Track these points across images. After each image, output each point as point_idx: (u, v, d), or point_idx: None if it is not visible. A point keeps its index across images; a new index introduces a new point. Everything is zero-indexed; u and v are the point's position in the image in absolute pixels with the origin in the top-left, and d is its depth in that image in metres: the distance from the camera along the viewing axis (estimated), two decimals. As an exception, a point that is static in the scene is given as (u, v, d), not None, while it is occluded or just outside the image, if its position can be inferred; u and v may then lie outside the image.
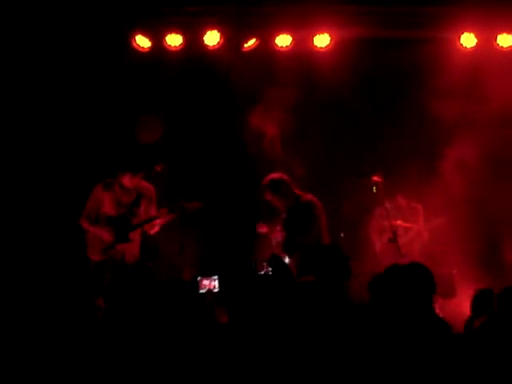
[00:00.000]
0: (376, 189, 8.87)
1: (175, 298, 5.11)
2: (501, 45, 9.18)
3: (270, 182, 8.15)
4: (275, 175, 8.20)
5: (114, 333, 5.07)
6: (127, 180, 8.21)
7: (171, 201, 8.32)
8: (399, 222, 9.22)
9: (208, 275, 7.58)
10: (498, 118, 9.16)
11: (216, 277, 7.54)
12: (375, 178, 8.88)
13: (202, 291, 7.53)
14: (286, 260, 7.90)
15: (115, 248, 8.16)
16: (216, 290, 7.52)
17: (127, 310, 5.22)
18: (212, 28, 9.16)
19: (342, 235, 9.34)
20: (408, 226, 9.31)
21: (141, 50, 9.23)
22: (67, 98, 9.36)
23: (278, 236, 8.29)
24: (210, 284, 7.59)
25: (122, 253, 8.24)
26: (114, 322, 5.22)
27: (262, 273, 7.69)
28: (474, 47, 9.17)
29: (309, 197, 8.23)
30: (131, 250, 8.29)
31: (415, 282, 4.88)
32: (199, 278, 7.57)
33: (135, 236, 8.29)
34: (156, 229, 8.33)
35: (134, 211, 8.25)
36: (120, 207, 8.24)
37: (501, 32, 9.15)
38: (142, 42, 9.23)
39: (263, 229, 8.46)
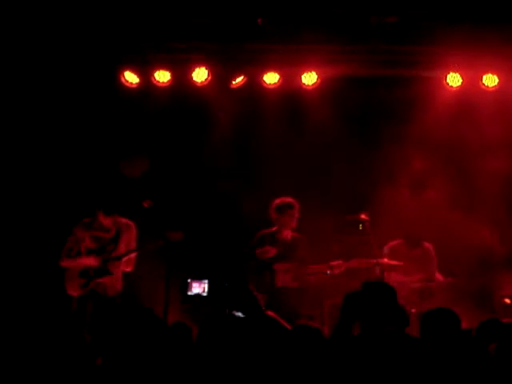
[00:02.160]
0: (363, 226, 8.85)
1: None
2: (486, 84, 9.26)
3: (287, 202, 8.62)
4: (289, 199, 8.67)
5: (101, 367, 5.02)
6: (102, 218, 8.24)
7: (154, 233, 8.28)
8: (385, 260, 9.14)
9: (198, 278, 7.50)
10: (483, 154, 9.23)
11: (206, 280, 7.46)
12: (362, 216, 8.88)
13: (190, 293, 7.45)
14: None
15: (95, 282, 8.12)
16: (205, 294, 7.44)
17: (112, 343, 5.17)
18: (200, 65, 9.21)
19: (328, 273, 9.28)
20: (394, 264, 9.23)
21: (129, 85, 9.27)
22: (53, 132, 9.37)
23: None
24: (199, 287, 7.50)
25: (103, 287, 8.19)
26: (100, 355, 5.16)
27: None
28: (459, 86, 9.24)
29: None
30: (113, 284, 8.25)
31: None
32: (189, 280, 7.48)
33: (116, 269, 8.25)
34: (131, 267, 8.32)
35: (113, 246, 8.24)
36: (100, 243, 8.25)
37: (486, 72, 9.23)
38: (131, 77, 9.27)
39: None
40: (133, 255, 8.34)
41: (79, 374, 5.06)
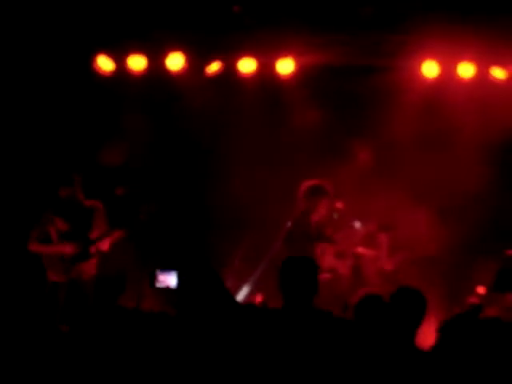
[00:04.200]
0: (337, 215, 8.85)
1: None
2: (462, 74, 9.27)
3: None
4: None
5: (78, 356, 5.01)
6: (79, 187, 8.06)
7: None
8: (360, 249, 9.15)
9: (166, 269, 7.26)
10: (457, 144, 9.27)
11: (174, 272, 7.21)
12: (337, 205, 8.88)
13: (158, 286, 7.20)
14: None
15: (78, 265, 7.99)
16: (174, 287, 7.18)
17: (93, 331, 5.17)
18: (176, 52, 9.18)
19: None
20: (369, 254, 9.22)
21: (103, 72, 9.22)
22: (26, 119, 9.29)
23: None
24: (167, 279, 7.28)
25: (78, 271, 8.04)
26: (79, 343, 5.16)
27: None
28: (435, 75, 9.25)
29: None
30: (88, 268, 8.09)
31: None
32: (157, 272, 7.24)
33: (94, 250, 8.11)
34: (106, 246, 8.14)
35: (88, 225, 8.10)
36: (72, 224, 8.08)
37: (461, 61, 9.24)
38: (105, 64, 9.22)
39: None
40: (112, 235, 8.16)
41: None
